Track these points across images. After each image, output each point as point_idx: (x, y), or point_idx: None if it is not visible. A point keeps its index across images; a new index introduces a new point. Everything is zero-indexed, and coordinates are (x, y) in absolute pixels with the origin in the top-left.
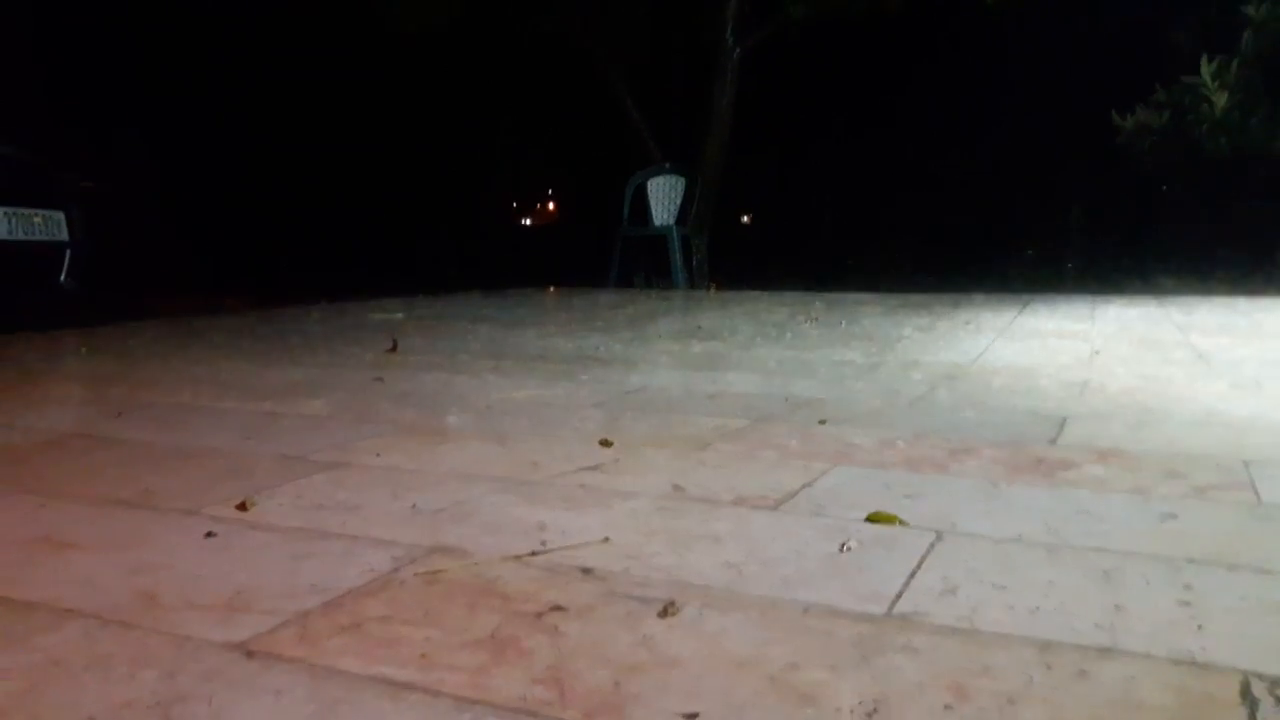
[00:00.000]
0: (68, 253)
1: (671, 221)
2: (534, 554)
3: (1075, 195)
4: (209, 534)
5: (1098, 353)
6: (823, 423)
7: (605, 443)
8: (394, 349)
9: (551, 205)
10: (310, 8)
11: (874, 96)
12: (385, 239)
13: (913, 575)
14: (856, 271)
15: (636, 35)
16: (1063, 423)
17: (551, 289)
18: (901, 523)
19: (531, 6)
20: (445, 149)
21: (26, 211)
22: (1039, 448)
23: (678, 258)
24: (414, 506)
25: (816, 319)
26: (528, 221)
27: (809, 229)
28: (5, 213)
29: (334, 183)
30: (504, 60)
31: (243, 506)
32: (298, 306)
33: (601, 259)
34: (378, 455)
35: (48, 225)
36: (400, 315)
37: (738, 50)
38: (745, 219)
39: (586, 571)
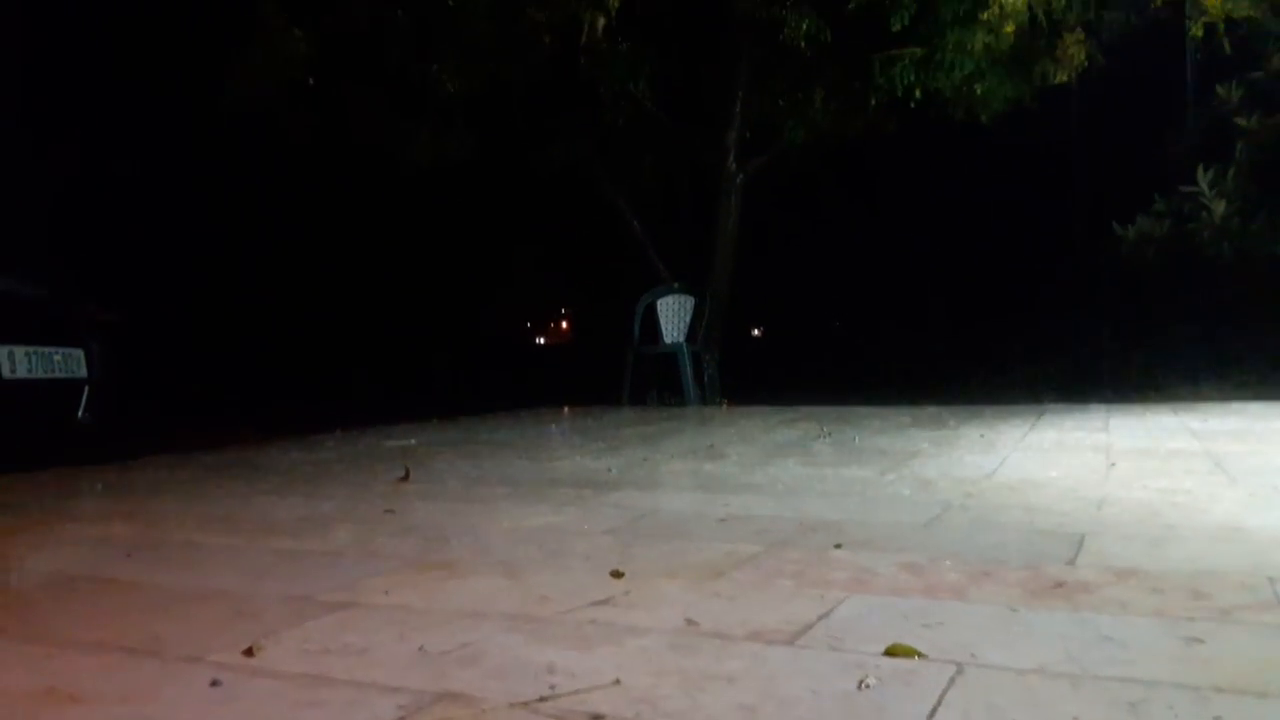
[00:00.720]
0: (86, 389)
1: (682, 339)
2: (543, 699)
3: (1083, 305)
4: (214, 683)
5: (1114, 465)
6: (838, 547)
7: (616, 574)
8: (406, 478)
9: (565, 324)
10: (325, 141)
11: (878, 210)
12: (401, 364)
13: (933, 713)
14: (868, 384)
15: (641, 163)
16: (1081, 541)
17: (565, 409)
18: (920, 655)
19: (540, 140)
20: (460, 274)
21: (46, 350)
22: (1058, 569)
23: (689, 375)
24: (421, 649)
25: (829, 434)
26: (542, 341)
27: (820, 341)
28: (26, 352)
29: (350, 309)
30: (516, 188)
31: (249, 652)
32: (313, 436)
33: (614, 377)
34: (386, 593)
35: (67, 363)
36: (414, 441)
37: (740, 176)
38: (756, 332)
39: (596, 718)
